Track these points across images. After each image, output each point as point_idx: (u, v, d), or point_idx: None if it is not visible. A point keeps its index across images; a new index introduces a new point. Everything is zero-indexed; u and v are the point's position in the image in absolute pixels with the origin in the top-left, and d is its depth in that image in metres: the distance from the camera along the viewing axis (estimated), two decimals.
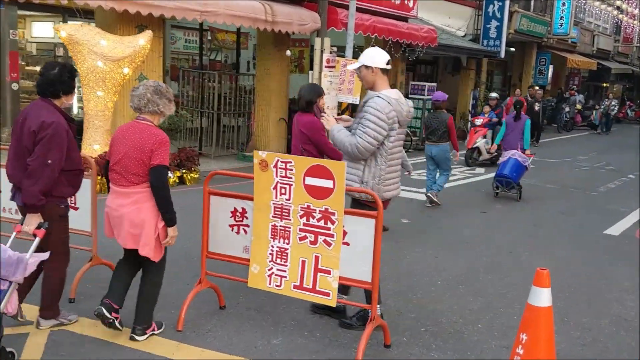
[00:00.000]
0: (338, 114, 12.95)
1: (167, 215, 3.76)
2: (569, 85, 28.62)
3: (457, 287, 5.45)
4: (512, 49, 23.67)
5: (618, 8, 28.22)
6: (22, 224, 3.68)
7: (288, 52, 12.09)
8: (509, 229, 7.83)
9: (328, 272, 3.77)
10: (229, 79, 13.54)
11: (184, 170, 9.37)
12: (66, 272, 4.04)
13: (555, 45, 25.26)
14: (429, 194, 8.77)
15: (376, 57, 4.13)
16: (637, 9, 28.71)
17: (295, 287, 3.89)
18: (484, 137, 13.52)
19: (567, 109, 23.78)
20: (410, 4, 15.30)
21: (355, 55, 13.43)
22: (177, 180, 9.16)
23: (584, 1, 24.84)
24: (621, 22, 30.01)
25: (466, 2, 20.23)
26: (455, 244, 6.91)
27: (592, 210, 9.25)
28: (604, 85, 33.32)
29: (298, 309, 4.56)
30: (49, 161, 3.61)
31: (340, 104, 12.82)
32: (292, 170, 3.75)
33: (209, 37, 16.33)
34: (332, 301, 3.82)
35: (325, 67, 11.98)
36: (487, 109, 14.44)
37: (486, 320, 4.70)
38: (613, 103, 25.32)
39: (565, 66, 27.57)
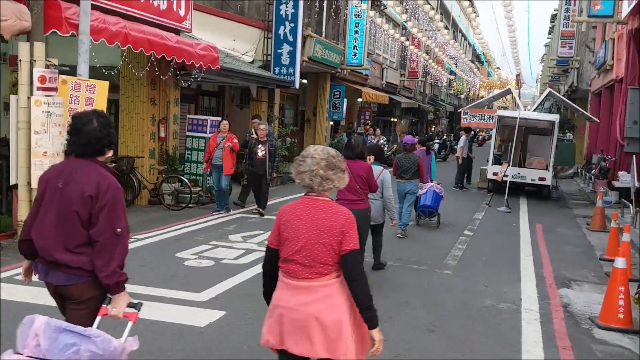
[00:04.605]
0: None
1: (369, 312, 2.95)
2: (361, 120, 27.13)
3: None
4: (305, 81, 21.01)
5: (407, 39, 27.53)
6: (106, 305, 3.06)
7: None
8: None
9: None
10: None
11: None
12: None
13: (348, 77, 23.29)
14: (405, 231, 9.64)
15: None
16: (431, 38, 28.35)
17: None
18: None
19: None
20: (182, 12, 11.39)
21: (93, 74, 9.08)
22: None
23: (375, 30, 23.24)
24: (407, 52, 29.63)
25: (253, 22, 17.00)
26: None
27: (466, 317, 5.90)
28: (393, 120, 32.87)
29: None
30: (118, 230, 3.05)
31: None
32: None
33: None
34: None
35: (39, 88, 7.46)
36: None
37: None
38: (382, 141, 21.92)
39: (358, 100, 25.96)
